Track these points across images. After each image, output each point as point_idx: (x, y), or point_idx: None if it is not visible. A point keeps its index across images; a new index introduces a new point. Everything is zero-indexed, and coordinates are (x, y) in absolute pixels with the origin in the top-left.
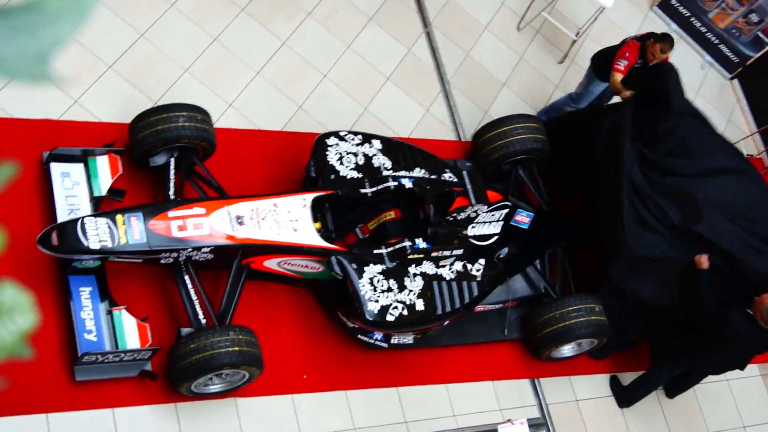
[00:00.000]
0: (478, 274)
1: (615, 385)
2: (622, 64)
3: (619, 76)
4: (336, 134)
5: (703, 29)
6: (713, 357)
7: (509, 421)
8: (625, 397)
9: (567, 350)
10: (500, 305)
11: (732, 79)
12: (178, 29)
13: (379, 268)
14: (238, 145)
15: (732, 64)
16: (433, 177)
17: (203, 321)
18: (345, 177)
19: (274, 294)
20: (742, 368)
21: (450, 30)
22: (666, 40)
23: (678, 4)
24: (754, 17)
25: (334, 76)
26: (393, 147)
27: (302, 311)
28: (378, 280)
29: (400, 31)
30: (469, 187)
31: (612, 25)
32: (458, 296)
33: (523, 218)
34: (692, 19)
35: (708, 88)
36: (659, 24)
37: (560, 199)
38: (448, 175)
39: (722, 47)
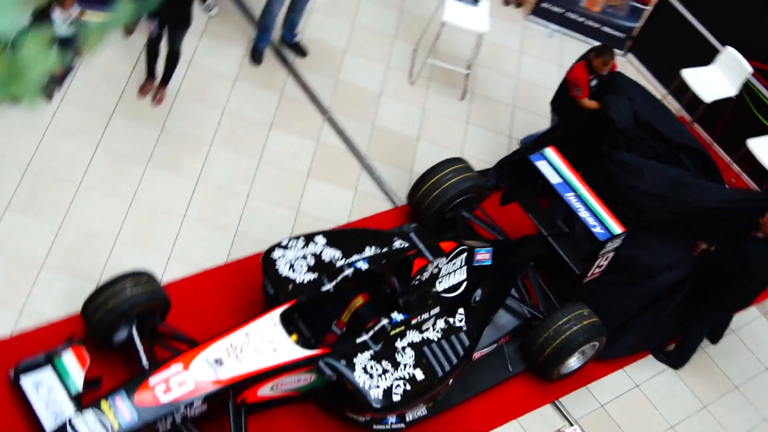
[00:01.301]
0: (462, 323)
1: (661, 355)
2: (579, 90)
3: (585, 100)
4: (279, 246)
5: (581, 19)
6: (740, 293)
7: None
8: (677, 359)
9: (574, 362)
10: (495, 345)
11: (625, 54)
12: (93, 205)
13: (368, 354)
14: (190, 292)
15: (621, 41)
16: (384, 250)
17: None
18: (302, 282)
19: (279, 420)
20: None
21: (348, 109)
22: (605, 52)
23: (550, 5)
24: None
25: (256, 193)
26: (337, 237)
27: (312, 424)
28: (371, 366)
29: (302, 127)
30: (421, 246)
31: (496, 46)
32: (452, 352)
33: (483, 256)
34: (567, 13)
35: None
36: (538, 30)
37: (513, 221)
38: (398, 243)
39: (606, 29)
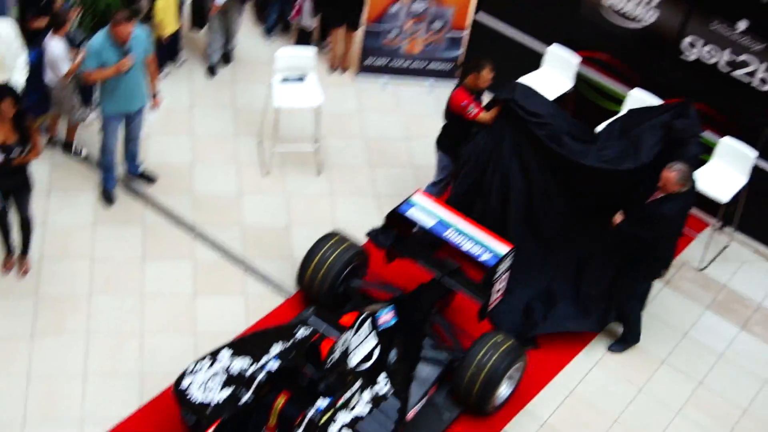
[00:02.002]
0: (387, 388)
1: (615, 346)
2: (472, 108)
3: (482, 114)
4: (186, 373)
5: (407, 63)
6: (656, 259)
7: None
8: (629, 337)
9: (504, 390)
10: (425, 398)
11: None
12: None
13: None
14: None
15: (451, 71)
16: (290, 343)
17: None
18: (220, 401)
19: None
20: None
21: (213, 218)
22: (480, 66)
23: (372, 60)
24: (436, 24)
25: (149, 330)
26: (241, 345)
27: None
28: None
29: (174, 250)
30: (324, 328)
31: (336, 113)
32: (386, 419)
33: (386, 317)
34: (392, 63)
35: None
36: (371, 85)
37: (406, 273)
38: (301, 332)
39: (432, 66)
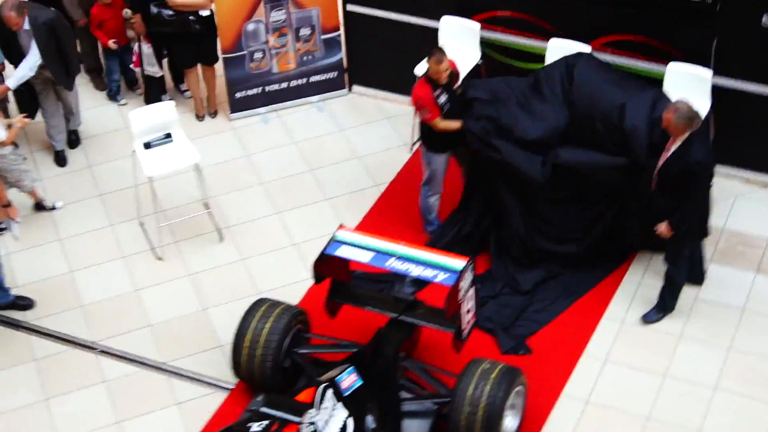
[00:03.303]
0: None
1: (652, 315)
2: (425, 112)
3: (438, 120)
4: None
5: (285, 84)
6: (693, 215)
7: None
8: (670, 305)
9: (510, 422)
10: None
11: (350, 88)
12: None
13: None
14: None
15: (339, 80)
16: None
17: None
18: None
19: None
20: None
21: (114, 327)
22: (433, 55)
23: (243, 92)
24: (305, 32)
25: None
26: None
27: None
28: None
29: (79, 378)
30: (280, 414)
31: (220, 165)
32: None
33: (349, 380)
34: (267, 88)
35: (341, 113)
36: (250, 122)
37: (356, 325)
38: (256, 426)
39: (315, 78)
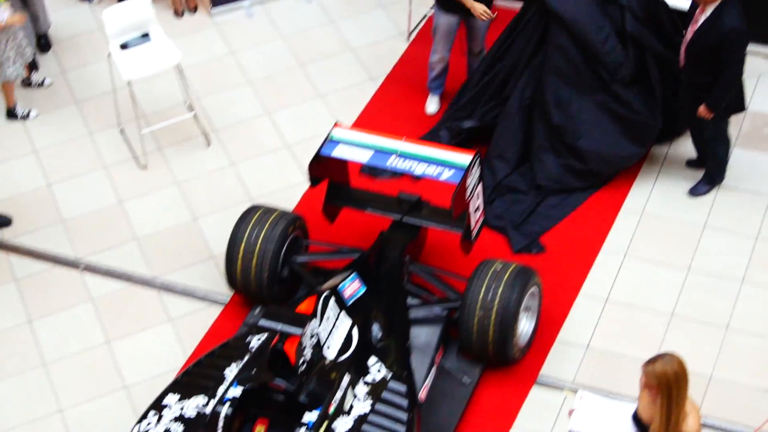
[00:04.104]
0: (383, 372)
1: (700, 187)
2: None
3: None
4: None
5: None
6: (730, 90)
7: (570, 412)
8: (717, 176)
9: (526, 326)
10: (433, 369)
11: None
12: None
13: None
14: None
15: None
16: (246, 359)
17: None
18: None
19: None
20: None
21: (98, 241)
22: None
23: None
24: None
25: (69, 402)
26: (186, 383)
27: None
28: None
29: (65, 296)
30: (280, 327)
31: (204, 65)
32: (395, 410)
33: (352, 287)
34: None
35: (331, 3)
36: (233, 16)
37: (357, 229)
38: (254, 341)
39: None
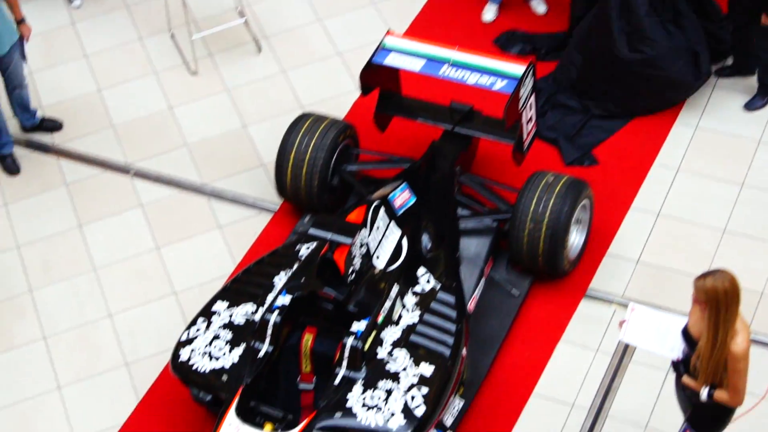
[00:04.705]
0: (432, 283)
1: (756, 101)
2: None
3: None
4: (180, 344)
5: None
6: None
7: (621, 323)
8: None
9: (576, 239)
10: (482, 281)
11: None
12: None
13: (358, 388)
14: None
15: None
16: (295, 268)
17: None
18: (234, 364)
19: None
20: None
21: (148, 147)
22: None
23: None
24: None
25: (117, 308)
26: (236, 290)
27: None
28: (370, 398)
29: (114, 202)
30: (330, 235)
31: None
32: (444, 320)
33: (402, 197)
34: None
35: None
36: None
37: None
38: (304, 249)
39: None
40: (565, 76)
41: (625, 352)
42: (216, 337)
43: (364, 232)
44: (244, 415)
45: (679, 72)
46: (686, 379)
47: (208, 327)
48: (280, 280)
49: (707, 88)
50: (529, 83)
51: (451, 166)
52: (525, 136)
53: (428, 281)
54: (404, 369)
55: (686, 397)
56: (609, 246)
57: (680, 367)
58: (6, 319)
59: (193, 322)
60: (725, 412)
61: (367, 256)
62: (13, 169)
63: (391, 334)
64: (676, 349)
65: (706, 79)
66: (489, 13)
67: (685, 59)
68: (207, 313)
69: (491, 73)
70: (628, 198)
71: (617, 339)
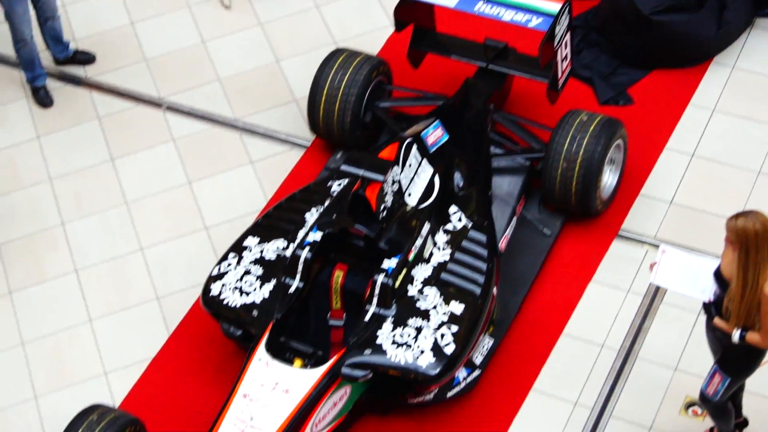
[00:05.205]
0: (464, 221)
1: None
2: None
3: None
4: (212, 279)
5: None
6: None
7: (652, 266)
8: None
9: (609, 178)
10: (514, 219)
11: None
12: None
13: (388, 325)
14: (154, 391)
15: None
16: (327, 204)
17: None
18: (264, 299)
19: None
20: None
21: (181, 81)
22: None
23: None
24: None
25: (148, 241)
26: (267, 225)
27: None
28: (400, 335)
29: (146, 135)
30: (362, 172)
31: None
32: (475, 259)
33: (435, 134)
34: None
35: None
36: None
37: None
38: (335, 185)
39: None
40: (596, 22)
41: (656, 293)
42: (247, 273)
43: (397, 169)
44: (274, 350)
45: (704, 30)
46: (718, 321)
47: (239, 262)
48: (312, 216)
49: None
50: (564, 21)
51: (484, 104)
52: (560, 74)
53: (460, 219)
54: (434, 307)
55: (717, 339)
56: (642, 186)
57: (712, 309)
58: (38, 252)
59: (224, 257)
60: (756, 355)
61: (399, 194)
62: (46, 101)
63: (421, 271)
64: (708, 291)
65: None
66: None
67: (710, 17)
68: (238, 248)
69: (527, 10)
70: (662, 138)
71: (648, 281)
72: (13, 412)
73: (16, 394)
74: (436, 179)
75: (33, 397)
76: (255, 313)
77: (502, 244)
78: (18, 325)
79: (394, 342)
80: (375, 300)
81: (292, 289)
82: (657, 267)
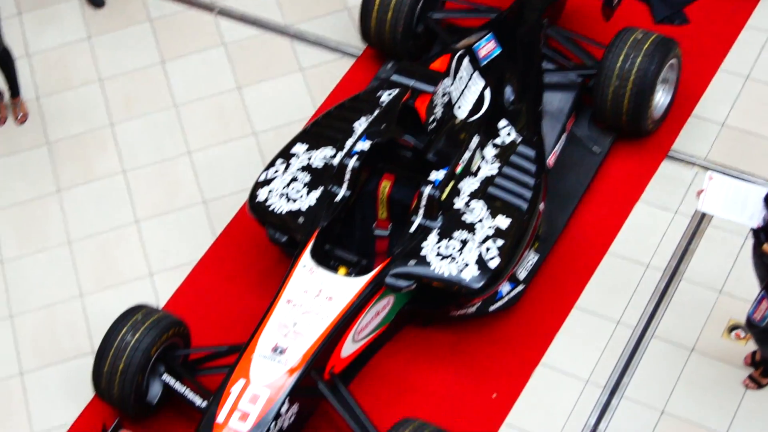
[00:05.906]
0: (513, 135)
1: None
2: None
3: None
4: (259, 184)
5: None
6: None
7: (699, 192)
8: None
9: (662, 98)
10: (564, 136)
11: None
12: (32, 277)
13: (433, 236)
14: (199, 297)
15: None
16: (376, 113)
17: None
18: (311, 206)
19: (388, 372)
20: None
21: None
22: None
23: None
24: None
25: (196, 144)
26: (315, 133)
27: (431, 351)
28: (445, 247)
29: (197, 40)
30: (412, 83)
31: None
32: (523, 174)
33: (487, 47)
34: None
35: None
36: None
37: None
38: (385, 96)
39: None
40: None
41: (703, 216)
42: (294, 179)
43: (447, 81)
44: (319, 257)
45: None
46: (767, 247)
47: (286, 169)
48: (361, 125)
49: None
50: None
51: (538, 18)
52: None
53: (509, 134)
54: (480, 220)
55: (765, 264)
56: (694, 107)
57: (760, 234)
58: (87, 151)
59: (272, 164)
60: None
61: (449, 106)
62: (98, 2)
63: (469, 185)
64: (756, 216)
65: None
66: None
67: None
68: (286, 154)
69: None
70: (717, 59)
71: (695, 208)
72: (60, 309)
73: (62, 291)
74: (487, 92)
75: (79, 294)
76: (301, 220)
77: (551, 160)
78: (66, 224)
79: (438, 254)
80: (421, 211)
81: (338, 198)
82: (704, 194)
